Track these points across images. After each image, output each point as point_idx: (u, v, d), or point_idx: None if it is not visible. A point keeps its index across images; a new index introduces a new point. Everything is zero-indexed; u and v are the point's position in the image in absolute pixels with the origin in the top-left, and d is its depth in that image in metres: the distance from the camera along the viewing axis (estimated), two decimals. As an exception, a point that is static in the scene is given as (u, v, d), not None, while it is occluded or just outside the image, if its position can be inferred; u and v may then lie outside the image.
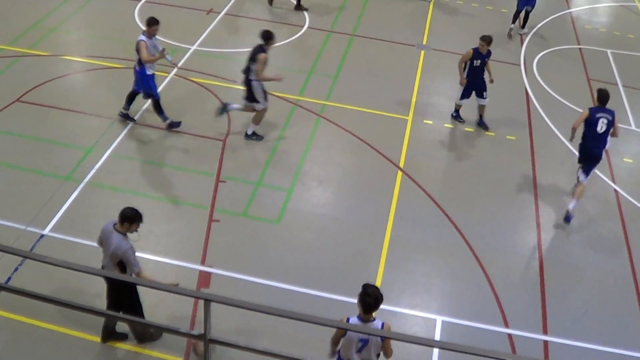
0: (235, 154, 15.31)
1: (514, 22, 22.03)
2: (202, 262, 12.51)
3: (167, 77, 17.54)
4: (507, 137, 17.02)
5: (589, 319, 12.47)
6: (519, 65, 20.41)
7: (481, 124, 17.23)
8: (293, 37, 20.32)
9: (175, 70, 17.70)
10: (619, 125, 14.87)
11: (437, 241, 13.70)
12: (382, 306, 9.01)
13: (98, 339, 10.88)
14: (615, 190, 15.81)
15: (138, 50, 14.91)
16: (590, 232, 14.58)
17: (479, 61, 16.48)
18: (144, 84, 15.31)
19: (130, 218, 9.79)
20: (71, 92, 16.95)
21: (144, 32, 14.99)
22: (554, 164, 16.26)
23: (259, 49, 15.04)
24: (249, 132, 15.88)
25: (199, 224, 13.37)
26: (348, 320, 8.82)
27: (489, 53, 16.56)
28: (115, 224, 9.90)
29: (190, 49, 18.98)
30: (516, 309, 12.46)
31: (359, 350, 9.11)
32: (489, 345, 11.40)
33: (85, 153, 14.81)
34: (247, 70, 15.22)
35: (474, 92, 16.91)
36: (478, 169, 15.83)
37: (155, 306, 10.90)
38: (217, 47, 19.24)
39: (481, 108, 17.11)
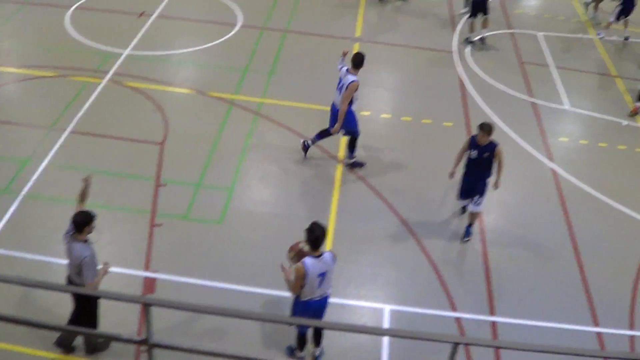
0: (174, 157, 15.19)
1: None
2: (146, 268, 12.40)
3: (100, 83, 17.33)
4: (444, 124, 17.16)
5: (534, 297, 12.67)
6: (452, 52, 20.59)
7: (466, 232, 13.93)
8: (226, 36, 20.20)
9: (109, 75, 17.52)
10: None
11: (381, 231, 13.77)
12: (329, 299, 9.26)
13: (41, 353, 10.73)
14: (553, 169, 16.04)
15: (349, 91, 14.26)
16: (531, 212, 14.79)
17: (475, 152, 13.06)
18: (351, 123, 14.79)
19: (86, 222, 9.71)
20: (4, 103, 16.65)
21: (350, 72, 14.40)
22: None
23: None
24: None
25: (140, 229, 13.24)
26: (304, 263, 9.74)
27: (491, 146, 12.99)
28: (72, 234, 9.79)
29: (123, 53, 18.77)
30: (463, 292, 12.59)
31: (320, 285, 9.98)
32: (438, 330, 11.52)
33: (21, 165, 14.57)
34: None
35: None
36: (418, 158, 15.94)
37: (104, 316, 10.77)
38: (150, 50, 19.07)
39: (471, 216, 13.77)
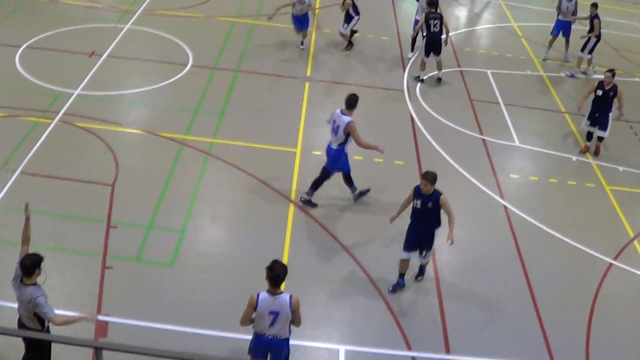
0: (125, 198, 15.02)
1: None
2: (98, 311, 12.18)
3: (51, 123, 17.13)
4: (396, 162, 17.24)
5: (490, 334, 12.69)
6: (403, 90, 20.76)
7: (419, 271, 13.86)
8: (177, 76, 20.13)
9: (59, 115, 17.33)
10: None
11: (334, 271, 13.72)
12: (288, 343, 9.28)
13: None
14: (504, 206, 16.18)
15: (350, 132, 14.72)
16: (484, 249, 14.88)
17: (419, 202, 12.73)
18: (343, 163, 15.24)
19: (34, 264, 9.61)
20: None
21: (344, 112, 14.80)
22: (441, 186, 16.50)
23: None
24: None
25: (92, 272, 13.02)
26: (258, 295, 9.88)
27: (435, 195, 12.68)
28: (20, 279, 9.60)
29: (73, 93, 18.58)
30: (418, 331, 12.57)
31: (272, 324, 9.96)
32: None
33: (-33, 208, 14.32)
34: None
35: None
36: (369, 197, 15.94)
37: (55, 358, 10.55)
38: (101, 90, 18.92)
39: (421, 268, 13.85)
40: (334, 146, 15.05)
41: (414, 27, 22.43)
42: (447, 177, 16.74)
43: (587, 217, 16.34)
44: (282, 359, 10.45)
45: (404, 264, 13.31)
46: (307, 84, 20.39)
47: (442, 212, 12.81)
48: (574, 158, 18.42)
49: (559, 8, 23.84)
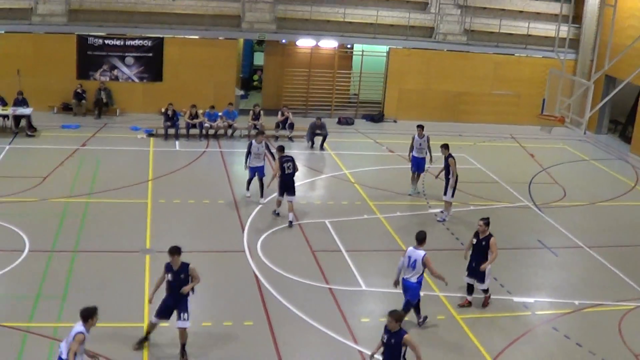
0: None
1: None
2: None
3: None
4: (245, 323, 16.95)
5: None
6: (244, 251, 20.71)
7: None
8: (15, 263, 19.22)
9: None
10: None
11: None
12: None
13: None
14: (359, 350, 16.12)
15: (426, 264, 16.41)
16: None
17: (385, 336, 13.66)
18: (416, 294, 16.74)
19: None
20: None
21: (418, 247, 16.56)
22: (294, 343, 16.36)
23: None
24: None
25: None
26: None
27: (401, 333, 13.56)
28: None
29: None
30: None
31: None
32: None
33: None
34: None
35: None
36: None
37: None
38: None
39: None
40: (414, 279, 16.52)
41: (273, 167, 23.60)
42: (297, 332, 16.64)
43: (440, 351, 16.47)
44: None
45: None
46: (147, 256, 19.97)
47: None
48: (422, 294, 18.70)
49: (412, 145, 24.94)
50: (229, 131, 31.96)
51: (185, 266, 15.19)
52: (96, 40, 34.02)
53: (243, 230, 22.14)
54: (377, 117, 37.35)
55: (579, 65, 38.07)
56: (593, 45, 37.32)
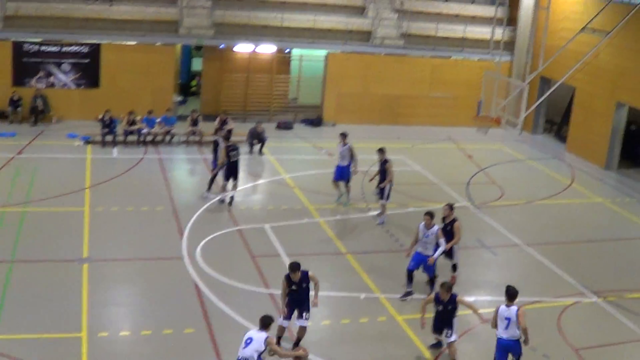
0: None
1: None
2: None
3: None
4: (186, 331, 16.81)
5: None
6: (182, 258, 20.55)
7: None
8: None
9: None
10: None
11: None
12: None
13: None
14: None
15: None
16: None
17: (440, 307, 16.01)
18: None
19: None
20: None
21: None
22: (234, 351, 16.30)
23: None
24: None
25: None
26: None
27: (453, 297, 15.93)
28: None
29: None
30: None
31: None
32: None
33: None
34: None
35: None
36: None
37: None
38: None
39: None
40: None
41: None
42: (239, 338, 16.47)
43: (384, 353, 16.57)
44: None
45: None
46: (85, 265, 19.65)
47: None
48: (362, 296, 18.78)
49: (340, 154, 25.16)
50: (167, 137, 31.67)
51: (305, 274, 16.02)
52: (32, 46, 33.36)
53: (182, 236, 21.97)
54: (316, 121, 37.37)
55: (514, 67, 38.65)
56: (528, 47, 37.96)
